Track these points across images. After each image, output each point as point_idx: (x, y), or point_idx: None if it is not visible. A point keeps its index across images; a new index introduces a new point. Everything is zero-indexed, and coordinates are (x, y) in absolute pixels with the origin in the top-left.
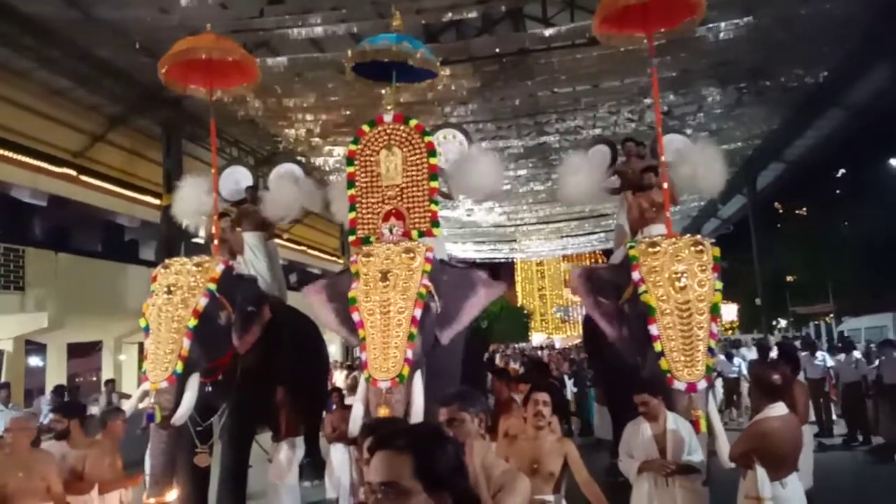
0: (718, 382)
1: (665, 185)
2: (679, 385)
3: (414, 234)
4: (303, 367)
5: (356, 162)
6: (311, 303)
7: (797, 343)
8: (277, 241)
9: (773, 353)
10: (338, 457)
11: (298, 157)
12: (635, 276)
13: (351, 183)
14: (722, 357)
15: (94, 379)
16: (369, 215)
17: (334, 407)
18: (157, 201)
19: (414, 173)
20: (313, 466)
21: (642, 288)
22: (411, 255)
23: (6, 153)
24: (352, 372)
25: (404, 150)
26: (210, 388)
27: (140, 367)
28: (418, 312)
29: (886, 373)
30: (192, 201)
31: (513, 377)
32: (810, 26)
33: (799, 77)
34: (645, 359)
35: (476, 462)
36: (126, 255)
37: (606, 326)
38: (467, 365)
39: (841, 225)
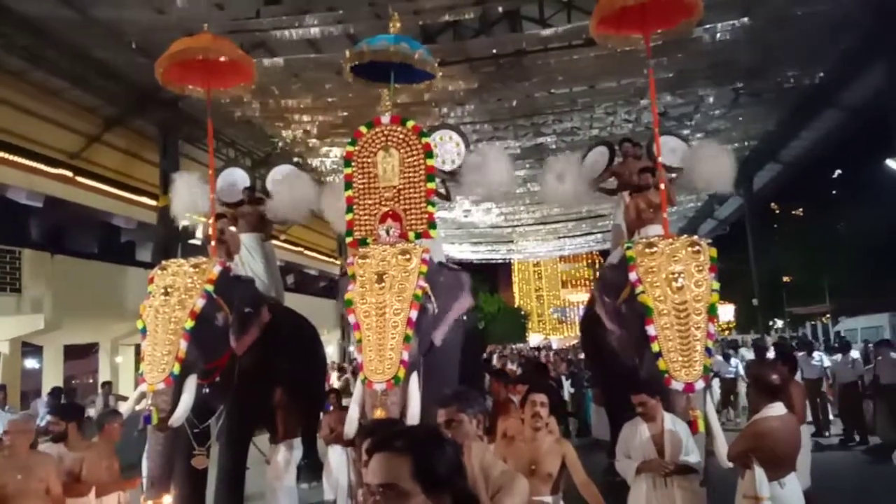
0: (715, 383)
1: (662, 186)
2: (677, 385)
3: (411, 235)
4: (300, 368)
5: (353, 163)
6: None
7: (794, 343)
8: (274, 242)
9: (770, 354)
10: (336, 458)
11: (295, 159)
12: (632, 276)
13: (348, 184)
14: (719, 357)
15: (91, 381)
16: (366, 217)
17: (331, 408)
18: (153, 202)
19: (411, 175)
20: (311, 468)
21: (639, 288)
22: (407, 256)
23: (2, 154)
24: (343, 374)
25: (401, 151)
26: (207, 390)
27: (137, 368)
28: (414, 314)
29: (883, 373)
30: (186, 196)
31: (511, 378)
32: (806, 27)
33: (795, 78)
34: (642, 359)
35: (474, 463)
36: (122, 256)
37: (612, 325)
38: (465, 366)
39: (837, 225)
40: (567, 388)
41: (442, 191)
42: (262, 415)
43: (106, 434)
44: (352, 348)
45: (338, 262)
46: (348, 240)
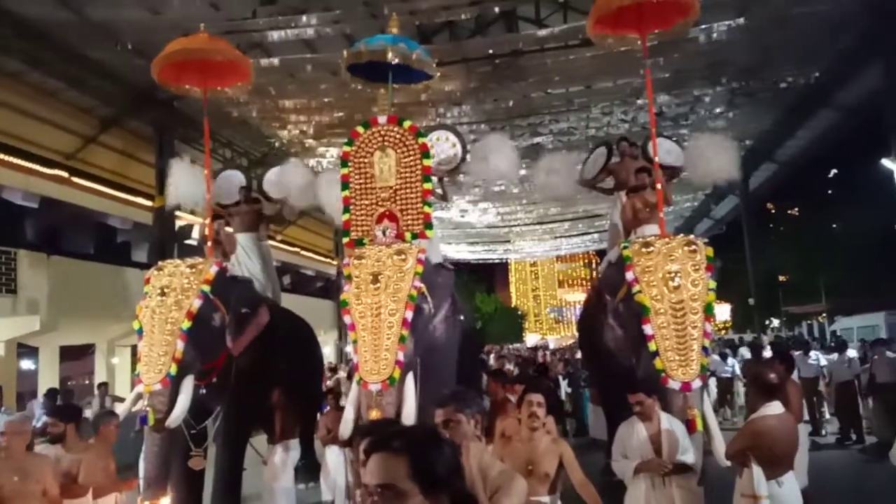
0: (712, 382)
1: (658, 186)
2: (674, 384)
3: (407, 236)
4: (297, 369)
5: (350, 163)
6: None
7: (790, 342)
8: (271, 242)
9: (767, 353)
10: (333, 459)
11: (292, 159)
12: (629, 276)
13: (345, 184)
14: (716, 357)
15: (87, 382)
16: (363, 217)
17: (328, 409)
18: (149, 203)
19: (407, 175)
20: (308, 468)
21: (636, 288)
22: (403, 257)
23: None
24: (334, 374)
25: (398, 151)
26: (204, 391)
27: (133, 369)
28: (409, 314)
29: (879, 372)
30: (183, 183)
31: (508, 378)
32: (802, 27)
33: (791, 78)
34: (640, 359)
35: (472, 463)
36: (119, 257)
37: (613, 322)
38: (462, 366)
39: (833, 225)
40: (564, 388)
41: (439, 191)
42: (260, 415)
43: (102, 435)
44: (349, 349)
45: (334, 263)
46: (345, 240)
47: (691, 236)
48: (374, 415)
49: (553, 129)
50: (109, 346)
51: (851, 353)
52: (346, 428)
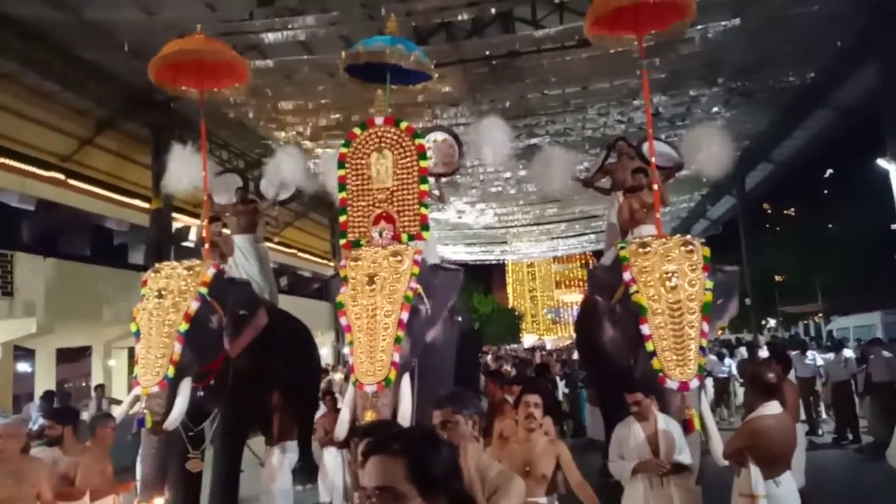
0: (708, 382)
1: (655, 187)
2: (671, 384)
3: (404, 237)
4: (295, 370)
5: (347, 165)
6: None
7: (786, 342)
8: (268, 244)
9: (762, 353)
10: (331, 460)
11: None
12: (626, 276)
13: (342, 186)
14: (713, 357)
15: (84, 384)
16: (360, 218)
17: (326, 410)
18: (146, 205)
19: (404, 176)
20: (306, 470)
21: (633, 288)
22: (399, 258)
23: None
24: (326, 376)
25: (395, 152)
26: (202, 393)
27: (130, 372)
28: (405, 316)
29: (875, 371)
30: (181, 167)
31: (506, 379)
32: (798, 28)
33: (787, 78)
34: (637, 359)
35: (471, 464)
36: (115, 259)
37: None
38: (460, 366)
39: (829, 225)
40: (561, 389)
41: (436, 192)
42: (257, 417)
43: (99, 438)
44: (346, 350)
45: (331, 264)
46: (342, 242)
47: (688, 236)
48: (370, 416)
49: (549, 129)
50: (106, 349)
51: (848, 352)
52: (341, 429)
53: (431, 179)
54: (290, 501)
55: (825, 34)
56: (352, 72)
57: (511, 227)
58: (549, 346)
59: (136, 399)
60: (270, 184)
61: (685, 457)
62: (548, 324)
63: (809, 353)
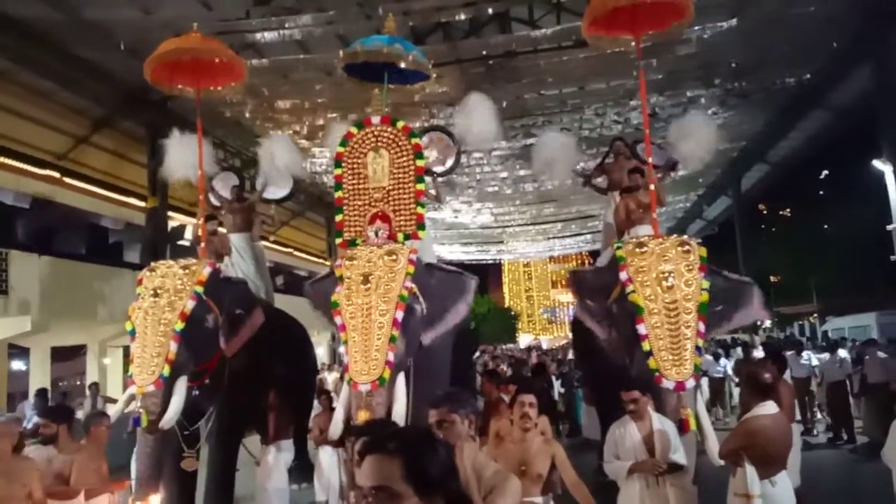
0: (704, 382)
1: (652, 187)
2: (667, 384)
3: (399, 237)
4: (290, 369)
5: (344, 164)
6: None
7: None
8: (264, 243)
9: (758, 353)
10: (326, 459)
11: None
12: (623, 276)
13: (338, 185)
14: (709, 357)
15: (79, 383)
16: (356, 218)
17: (322, 409)
18: (141, 203)
19: (400, 176)
20: (301, 469)
21: (630, 288)
22: (394, 257)
23: None
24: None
25: (391, 152)
26: (197, 392)
27: (125, 370)
28: (400, 315)
29: (871, 372)
30: (179, 154)
31: (502, 378)
32: (794, 29)
33: (783, 79)
34: (633, 358)
35: (467, 464)
36: (111, 257)
37: (597, 328)
38: (456, 366)
39: (824, 226)
40: (557, 388)
41: (432, 191)
42: (253, 416)
43: (94, 436)
44: (342, 349)
45: (328, 264)
46: (338, 241)
47: (685, 237)
48: (363, 415)
49: (546, 130)
50: (101, 347)
51: (842, 353)
52: (336, 429)
53: (428, 178)
54: (285, 500)
55: (821, 35)
56: (349, 71)
57: (507, 226)
58: (545, 346)
59: (132, 398)
60: (265, 175)
61: (680, 456)
62: (544, 323)
63: (805, 354)
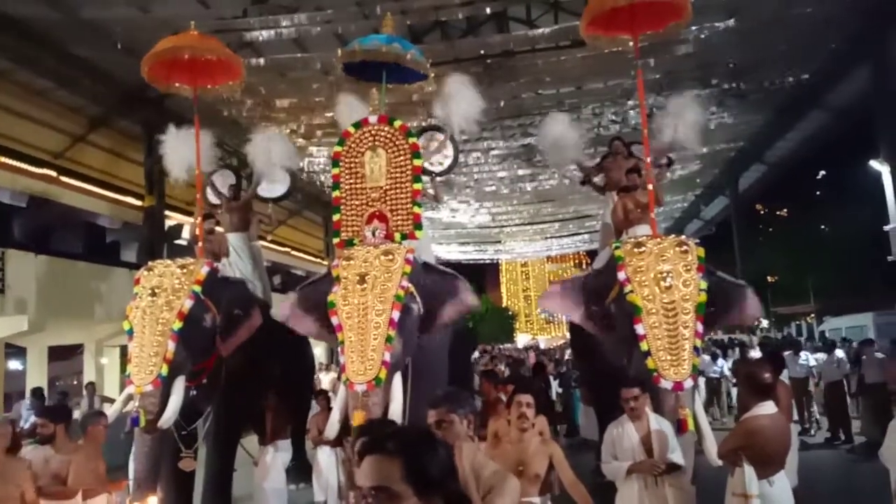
0: (701, 382)
1: (650, 186)
2: (665, 384)
3: (397, 236)
4: (288, 369)
5: (341, 163)
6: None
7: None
8: (261, 242)
9: (754, 353)
10: (325, 459)
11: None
12: (621, 276)
13: (336, 185)
14: (706, 357)
15: (75, 382)
16: (353, 217)
17: (319, 410)
18: (138, 202)
19: (398, 175)
20: (299, 469)
21: (628, 288)
22: (390, 257)
23: None
24: None
25: (388, 151)
26: (194, 392)
27: (122, 370)
28: (396, 315)
29: (868, 372)
30: (176, 149)
31: (500, 378)
32: (792, 29)
33: (780, 79)
34: (631, 358)
35: (465, 464)
36: (108, 256)
37: (597, 331)
38: (454, 365)
39: (822, 226)
40: (555, 388)
41: (431, 191)
42: (250, 416)
43: (91, 436)
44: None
45: (325, 263)
46: (335, 241)
47: (683, 237)
48: (359, 416)
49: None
50: (98, 347)
51: (840, 353)
52: (332, 429)
53: (426, 178)
54: (283, 500)
55: (819, 36)
56: (348, 70)
57: (505, 226)
58: (542, 346)
59: (130, 397)
60: (258, 172)
61: (678, 456)
62: (541, 323)
63: (802, 354)
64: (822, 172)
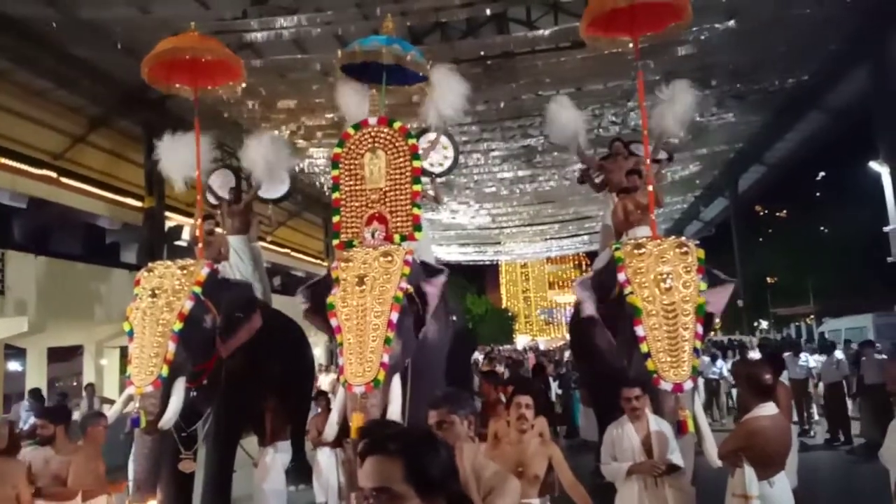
0: (700, 383)
1: (650, 188)
2: (665, 385)
3: (396, 238)
4: (288, 370)
5: (341, 165)
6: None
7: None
8: (261, 243)
9: (753, 354)
10: (325, 460)
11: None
12: (621, 277)
13: (336, 186)
14: (705, 358)
15: (75, 384)
16: (353, 219)
17: (319, 411)
18: (138, 203)
19: (397, 176)
20: (299, 470)
21: (628, 289)
22: (389, 258)
23: None
24: None
25: (388, 152)
26: (194, 393)
27: (122, 371)
28: (395, 316)
29: (868, 373)
30: (174, 153)
31: (500, 379)
32: (791, 31)
33: (780, 80)
34: (631, 360)
35: (466, 464)
36: (107, 257)
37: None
38: (454, 366)
39: (821, 227)
40: (554, 390)
41: (431, 192)
42: (250, 417)
43: (90, 437)
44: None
45: (325, 264)
46: (335, 242)
47: (683, 238)
48: (358, 417)
49: (543, 130)
50: (98, 348)
51: (839, 354)
52: (331, 430)
53: (426, 179)
54: (282, 502)
55: (818, 37)
56: (348, 71)
57: (505, 227)
58: (542, 347)
59: (130, 398)
60: (256, 175)
61: (677, 457)
62: (541, 325)
63: (802, 355)
64: (822, 173)
